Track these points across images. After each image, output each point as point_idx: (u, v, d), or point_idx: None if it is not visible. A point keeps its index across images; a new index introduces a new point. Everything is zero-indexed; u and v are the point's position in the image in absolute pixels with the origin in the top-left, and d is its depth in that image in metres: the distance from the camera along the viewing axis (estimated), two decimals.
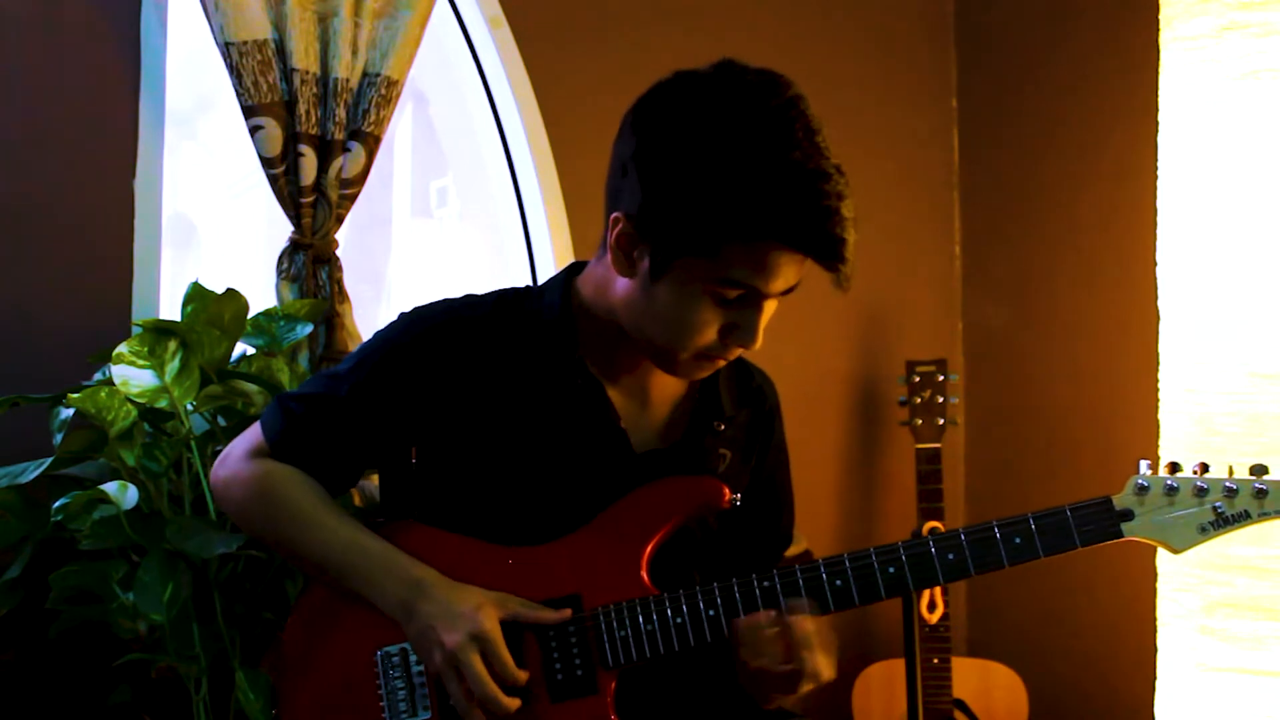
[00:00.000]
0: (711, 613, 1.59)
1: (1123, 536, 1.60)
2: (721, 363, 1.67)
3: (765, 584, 1.60)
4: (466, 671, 1.55)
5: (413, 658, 1.62)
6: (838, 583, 1.60)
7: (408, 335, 1.71)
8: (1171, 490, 1.59)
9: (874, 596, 1.60)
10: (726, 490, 1.65)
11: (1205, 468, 1.60)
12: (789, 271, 1.57)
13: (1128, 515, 1.59)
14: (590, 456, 1.68)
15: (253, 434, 1.74)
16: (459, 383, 1.68)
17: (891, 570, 1.60)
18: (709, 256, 1.54)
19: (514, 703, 1.56)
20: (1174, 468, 1.60)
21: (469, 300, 1.75)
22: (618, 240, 1.61)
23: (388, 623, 1.62)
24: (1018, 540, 1.59)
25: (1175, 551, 1.60)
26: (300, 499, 1.68)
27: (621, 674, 1.61)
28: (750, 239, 1.52)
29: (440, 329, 1.69)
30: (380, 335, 1.73)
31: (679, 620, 1.60)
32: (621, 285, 1.64)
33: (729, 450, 1.76)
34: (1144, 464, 1.61)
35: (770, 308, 1.62)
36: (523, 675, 1.57)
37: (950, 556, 1.59)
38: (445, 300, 1.75)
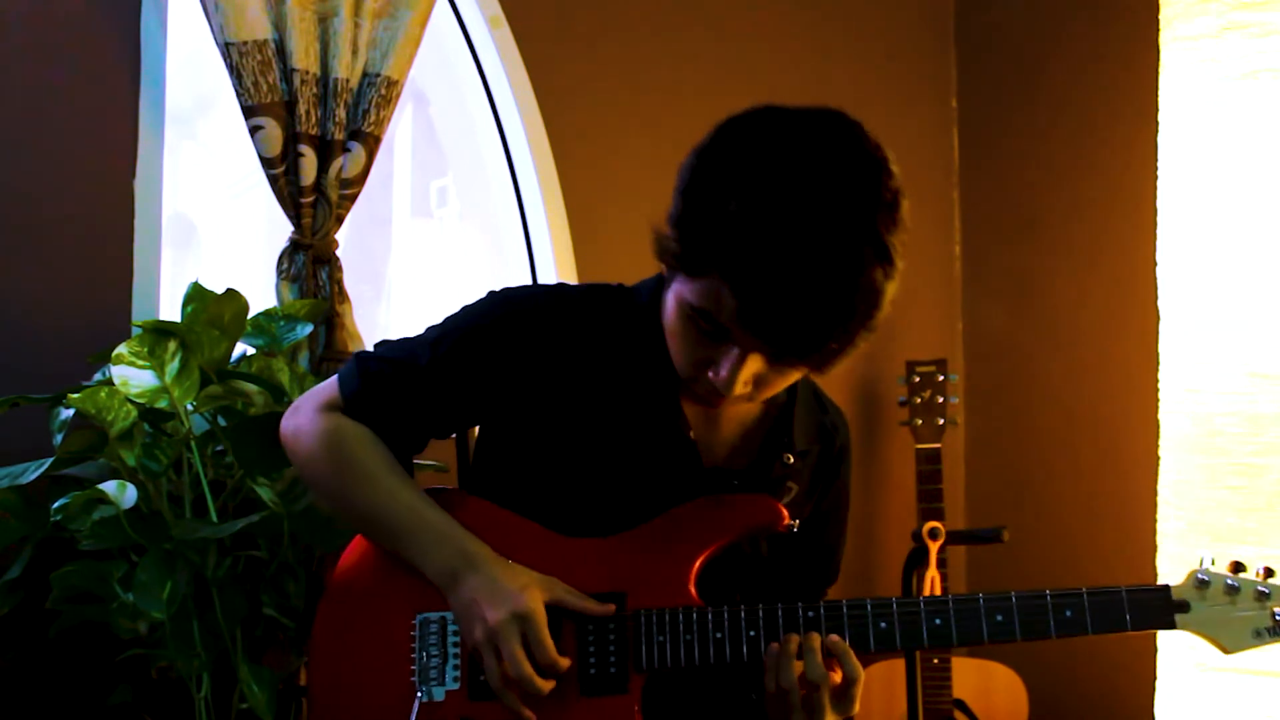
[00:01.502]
0: (753, 633, 1.59)
1: (1176, 628, 1.59)
2: (722, 401, 1.63)
3: (810, 614, 1.60)
4: (505, 649, 1.55)
5: (451, 628, 1.62)
6: (882, 625, 1.60)
7: (493, 315, 1.71)
8: (1232, 590, 1.58)
9: (917, 643, 1.61)
10: (786, 514, 1.65)
11: (1270, 572, 1.59)
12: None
13: (1184, 607, 1.59)
14: (657, 462, 1.68)
15: (328, 388, 1.73)
16: (538, 368, 1.68)
17: (938, 622, 1.60)
18: (691, 276, 1.53)
19: (548, 685, 1.56)
20: (1237, 567, 1.59)
21: (559, 289, 1.76)
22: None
23: (429, 591, 1.62)
24: (1069, 613, 1.58)
25: (1226, 652, 1.59)
26: (368, 457, 1.68)
27: (650, 677, 1.61)
28: (718, 275, 1.48)
29: (527, 314, 1.70)
30: (467, 310, 1.73)
31: (719, 635, 1.59)
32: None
33: (795, 484, 1.75)
34: (1205, 557, 1.61)
35: (756, 362, 1.54)
36: (563, 661, 1.57)
37: (999, 618, 1.59)
38: (536, 285, 1.77)
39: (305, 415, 1.72)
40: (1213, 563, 1.60)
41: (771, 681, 1.57)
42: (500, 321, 1.70)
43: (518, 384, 1.68)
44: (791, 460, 1.74)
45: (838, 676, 1.58)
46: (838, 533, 1.86)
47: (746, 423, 1.75)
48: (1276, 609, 1.57)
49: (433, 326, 1.74)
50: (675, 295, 1.58)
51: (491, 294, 1.74)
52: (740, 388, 1.55)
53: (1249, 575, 1.59)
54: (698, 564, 1.64)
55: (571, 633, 1.60)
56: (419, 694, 1.61)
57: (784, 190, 1.45)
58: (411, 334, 1.75)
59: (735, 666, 1.60)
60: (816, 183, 1.45)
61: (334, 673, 1.65)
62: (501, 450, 1.74)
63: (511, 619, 1.56)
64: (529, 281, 2.82)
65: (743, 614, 1.60)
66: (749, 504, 1.67)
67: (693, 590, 1.63)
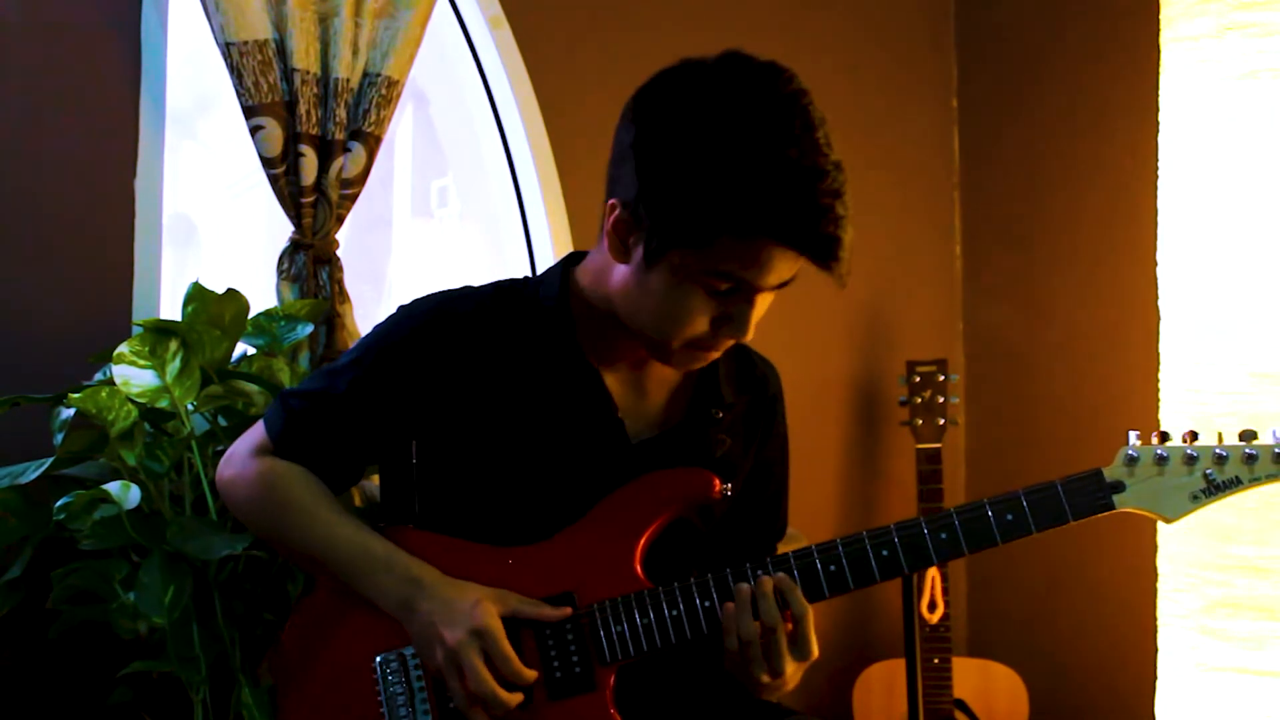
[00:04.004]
0: (707, 603, 1.59)
1: (1114, 508, 1.59)
2: (713, 355, 1.66)
3: (759, 573, 1.59)
4: (467, 668, 1.55)
5: (412, 663, 1.62)
6: (831, 567, 1.59)
7: (404, 329, 1.71)
8: (1161, 460, 1.59)
9: (868, 580, 1.60)
10: (717, 481, 1.65)
11: (1194, 435, 1.60)
12: (782, 266, 1.56)
13: (1119, 486, 1.59)
14: (587, 446, 1.68)
15: (256, 432, 1.74)
16: (456, 374, 1.68)
17: (885, 553, 1.59)
18: (701, 248, 1.54)
19: (515, 698, 1.56)
20: (1163, 437, 1.60)
21: (465, 292, 1.75)
22: (614, 226, 1.61)
23: (385, 629, 1.62)
24: (1010, 516, 1.59)
25: (1168, 521, 1.60)
26: (303, 496, 1.68)
27: (620, 669, 1.60)
28: (743, 235, 1.52)
29: (436, 321, 1.70)
30: (377, 329, 1.74)
31: (675, 612, 1.59)
32: (618, 273, 1.64)
33: (727, 437, 1.75)
34: (1133, 434, 1.61)
35: (764, 301, 1.61)
36: (528, 673, 1.57)
37: (943, 536, 1.59)
38: (441, 292, 1.76)
39: (238, 463, 1.74)
40: (1138, 438, 1.60)
41: (732, 639, 1.57)
42: (412, 334, 1.70)
43: (439, 392, 1.68)
44: (720, 415, 1.74)
45: (790, 624, 1.57)
46: (780, 482, 1.86)
47: (672, 388, 1.76)
48: (1207, 469, 1.58)
49: (348, 351, 1.75)
50: (672, 272, 1.57)
51: (400, 308, 1.75)
52: (753, 330, 1.61)
53: (1175, 443, 1.60)
54: (640, 547, 1.63)
55: (531, 640, 1.60)
56: None
57: (759, 125, 1.52)
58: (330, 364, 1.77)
59: (697, 640, 1.60)
60: (777, 108, 1.53)
61: None
62: (438, 463, 1.73)
63: (470, 637, 1.55)
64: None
65: (694, 585, 1.60)
66: (680, 477, 1.67)
67: (640, 574, 1.62)
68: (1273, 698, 2.53)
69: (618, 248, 1.62)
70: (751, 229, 1.52)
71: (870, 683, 3.15)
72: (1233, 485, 1.58)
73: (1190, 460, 1.59)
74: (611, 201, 1.61)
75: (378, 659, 1.63)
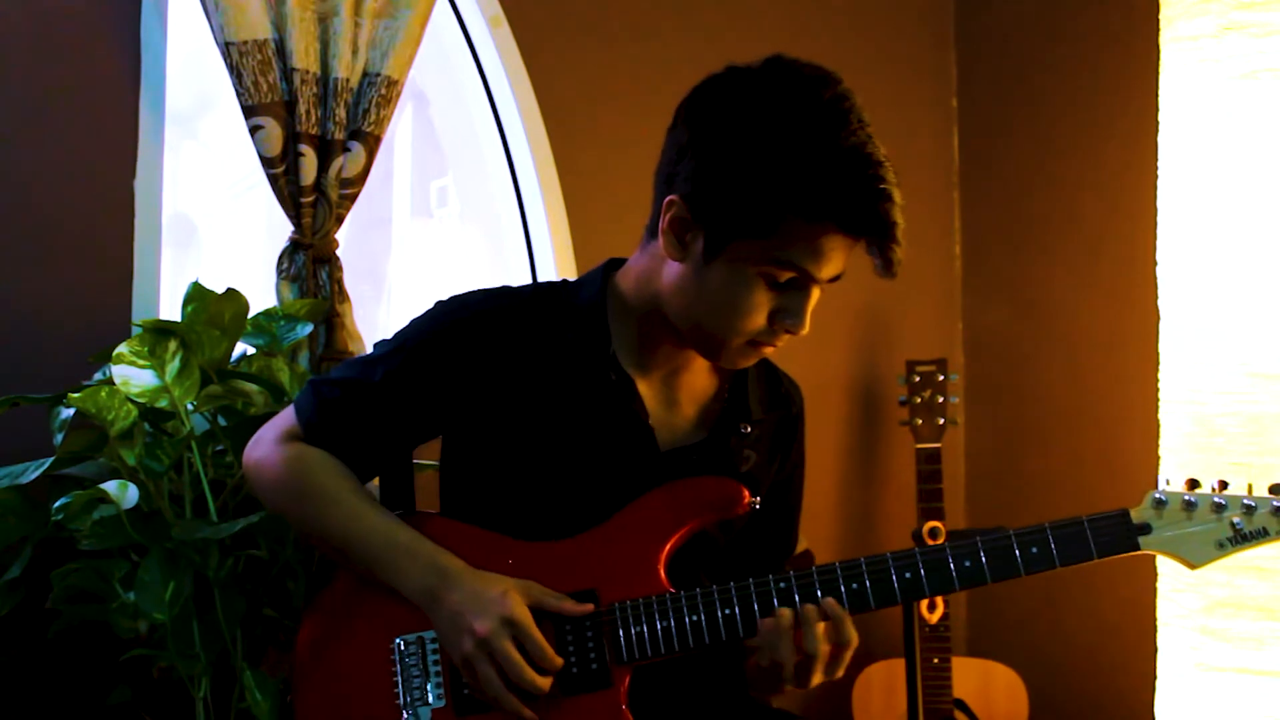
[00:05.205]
0: (728, 612, 1.60)
1: (1139, 549, 1.61)
2: (769, 350, 1.68)
3: (782, 585, 1.60)
4: (500, 657, 1.56)
5: (430, 646, 1.63)
6: (853, 585, 1.61)
7: (443, 324, 1.72)
8: (1189, 505, 1.60)
9: (889, 601, 1.61)
10: (747, 494, 1.66)
11: (1224, 485, 1.60)
12: (838, 257, 1.59)
13: (1145, 529, 1.60)
14: (616, 452, 1.69)
15: (286, 417, 1.75)
16: (491, 373, 1.69)
17: (908, 575, 1.60)
18: (764, 237, 1.57)
19: (547, 683, 1.57)
20: (1193, 484, 1.61)
21: (506, 291, 1.77)
22: (671, 224, 1.62)
23: (405, 613, 1.63)
24: (1034, 550, 1.61)
25: (1192, 567, 1.61)
26: (329, 483, 1.69)
27: (635, 670, 1.61)
28: (808, 217, 1.55)
29: (475, 319, 1.71)
30: (416, 322, 1.75)
31: (695, 618, 1.60)
32: (671, 272, 1.65)
33: (753, 452, 1.77)
34: (1162, 479, 1.62)
35: (816, 296, 1.64)
36: (559, 660, 1.58)
37: (967, 564, 1.60)
38: (483, 290, 1.77)
39: (266, 447, 1.74)
40: (1167, 483, 1.61)
41: (765, 657, 1.58)
42: (449, 330, 1.71)
43: (472, 391, 1.69)
44: (748, 430, 1.75)
45: (828, 646, 1.58)
46: (796, 500, 1.88)
47: (702, 400, 1.77)
48: (1235, 518, 1.59)
49: (383, 341, 1.76)
50: (733, 264, 1.59)
51: (439, 303, 1.76)
52: (809, 324, 1.64)
53: (1204, 490, 1.61)
54: (666, 551, 1.64)
55: (550, 634, 1.61)
56: (405, 717, 1.62)
57: (819, 116, 1.56)
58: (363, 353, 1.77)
59: (715, 648, 1.61)
60: (834, 101, 1.58)
61: (318, 705, 1.66)
62: (465, 459, 1.74)
63: (501, 626, 1.56)
64: (529, 281, 2.82)
65: (716, 593, 1.61)
66: (710, 486, 1.68)
67: (664, 578, 1.63)
68: (1273, 698, 2.53)
69: (675, 245, 1.63)
70: (816, 212, 1.54)
71: (870, 682, 3.15)
72: (1260, 537, 1.59)
73: (1218, 508, 1.60)
74: (669, 198, 1.62)
75: (397, 640, 1.64)
